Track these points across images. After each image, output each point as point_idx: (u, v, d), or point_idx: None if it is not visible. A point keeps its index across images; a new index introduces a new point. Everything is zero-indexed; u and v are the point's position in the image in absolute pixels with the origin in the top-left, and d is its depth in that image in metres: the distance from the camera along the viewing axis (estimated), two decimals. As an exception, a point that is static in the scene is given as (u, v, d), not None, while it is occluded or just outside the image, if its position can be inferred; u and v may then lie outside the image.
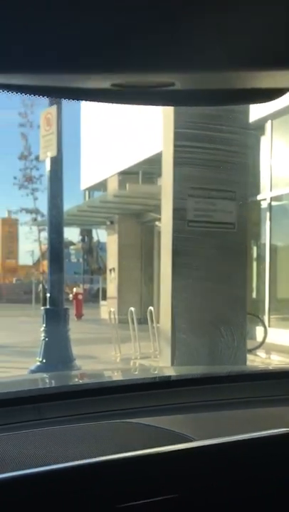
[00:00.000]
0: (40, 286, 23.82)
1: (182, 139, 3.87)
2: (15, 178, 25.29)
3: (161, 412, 1.26)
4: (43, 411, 1.24)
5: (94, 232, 34.30)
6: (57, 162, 7.27)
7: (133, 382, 1.49)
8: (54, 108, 7.10)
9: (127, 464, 0.78)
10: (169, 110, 3.73)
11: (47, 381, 1.80)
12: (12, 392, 1.36)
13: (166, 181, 4.20)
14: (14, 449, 0.98)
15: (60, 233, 7.70)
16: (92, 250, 35.58)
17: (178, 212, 4.01)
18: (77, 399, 1.32)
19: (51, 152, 7.10)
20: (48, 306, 7.56)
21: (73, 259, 36.44)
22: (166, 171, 4.15)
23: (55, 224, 7.50)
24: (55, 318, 7.45)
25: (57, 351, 7.30)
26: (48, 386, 1.61)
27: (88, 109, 17.62)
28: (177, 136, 3.87)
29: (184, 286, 3.84)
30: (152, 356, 9.72)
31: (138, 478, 0.78)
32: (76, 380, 1.97)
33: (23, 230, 47.14)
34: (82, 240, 34.85)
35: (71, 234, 36.22)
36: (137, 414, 1.23)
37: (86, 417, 1.23)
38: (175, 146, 3.89)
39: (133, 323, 10.14)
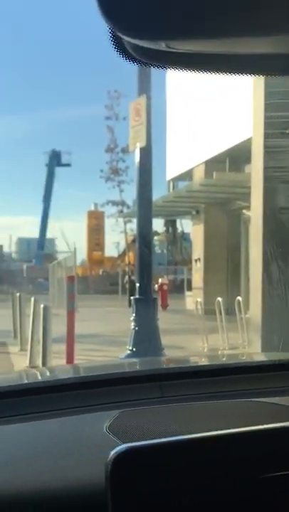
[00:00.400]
0: (126, 277, 24.18)
1: (273, 110, 3.75)
2: (101, 171, 25.70)
3: (286, 393, 1.26)
4: (165, 389, 1.30)
5: (178, 222, 34.37)
6: (146, 153, 7.29)
7: (254, 364, 1.50)
8: (143, 98, 7.12)
9: (263, 436, 0.80)
10: (260, 82, 3.62)
11: (168, 362, 1.86)
12: (138, 370, 1.42)
13: (256, 167, 4.13)
14: (137, 424, 1.04)
15: (149, 224, 7.74)
16: (176, 241, 35.65)
17: (268, 199, 3.93)
18: (199, 378, 1.36)
19: (140, 143, 7.12)
20: (137, 296, 7.63)
21: (157, 250, 36.64)
22: (255, 156, 4.07)
23: (144, 215, 7.55)
24: (145, 307, 7.51)
25: (146, 340, 7.36)
26: (169, 366, 1.66)
27: (174, 97, 17.62)
28: (268, 107, 3.76)
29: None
30: (241, 347, 9.62)
31: (275, 450, 0.79)
32: (196, 361, 2.01)
33: (109, 223, 47.93)
34: (167, 231, 34.99)
35: (155, 225, 36.45)
36: (261, 394, 1.23)
37: (208, 396, 1.26)
38: (266, 117, 3.79)
39: (220, 313, 10.07)
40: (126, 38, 0.44)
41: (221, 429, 0.82)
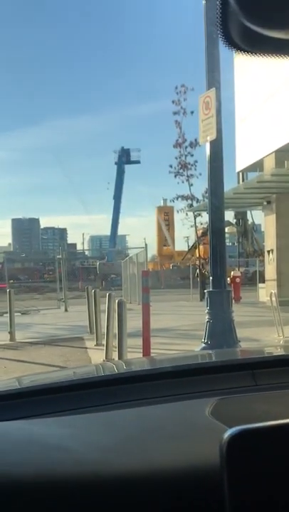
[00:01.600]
0: (197, 270, 24.08)
1: None
2: (170, 166, 25.63)
3: None
4: (258, 377, 1.33)
5: (248, 214, 33.85)
6: (217, 145, 7.23)
7: None
8: (212, 91, 7.05)
9: None
10: None
11: (260, 350, 1.86)
12: (230, 359, 1.44)
13: None
14: (238, 409, 1.08)
15: (221, 216, 7.68)
16: (247, 233, 35.14)
17: None
18: None
19: (211, 136, 7.06)
20: (211, 289, 7.58)
21: (228, 242, 36.26)
22: None
23: (216, 207, 7.49)
24: (219, 300, 7.44)
25: (221, 333, 7.30)
26: (260, 355, 1.68)
27: (241, 87, 17.35)
28: None
29: None
30: (317, 339, 9.41)
31: None
32: (283, 350, 2.01)
33: (179, 217, 47.91)
34: (237, 223, 34.55)
35: (225, 217, 36.06)
36: None
37: None
38: None
39: (296, 305, 9.89)
40: (256, 29, 0.44)
41: None
